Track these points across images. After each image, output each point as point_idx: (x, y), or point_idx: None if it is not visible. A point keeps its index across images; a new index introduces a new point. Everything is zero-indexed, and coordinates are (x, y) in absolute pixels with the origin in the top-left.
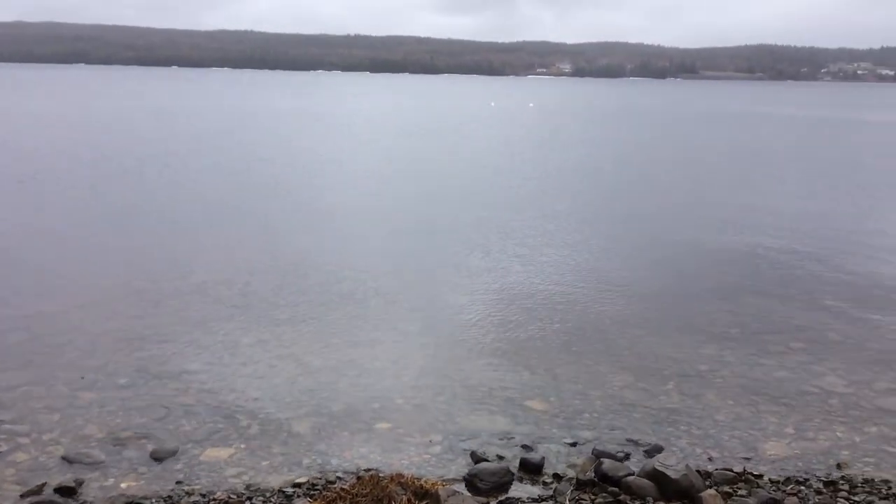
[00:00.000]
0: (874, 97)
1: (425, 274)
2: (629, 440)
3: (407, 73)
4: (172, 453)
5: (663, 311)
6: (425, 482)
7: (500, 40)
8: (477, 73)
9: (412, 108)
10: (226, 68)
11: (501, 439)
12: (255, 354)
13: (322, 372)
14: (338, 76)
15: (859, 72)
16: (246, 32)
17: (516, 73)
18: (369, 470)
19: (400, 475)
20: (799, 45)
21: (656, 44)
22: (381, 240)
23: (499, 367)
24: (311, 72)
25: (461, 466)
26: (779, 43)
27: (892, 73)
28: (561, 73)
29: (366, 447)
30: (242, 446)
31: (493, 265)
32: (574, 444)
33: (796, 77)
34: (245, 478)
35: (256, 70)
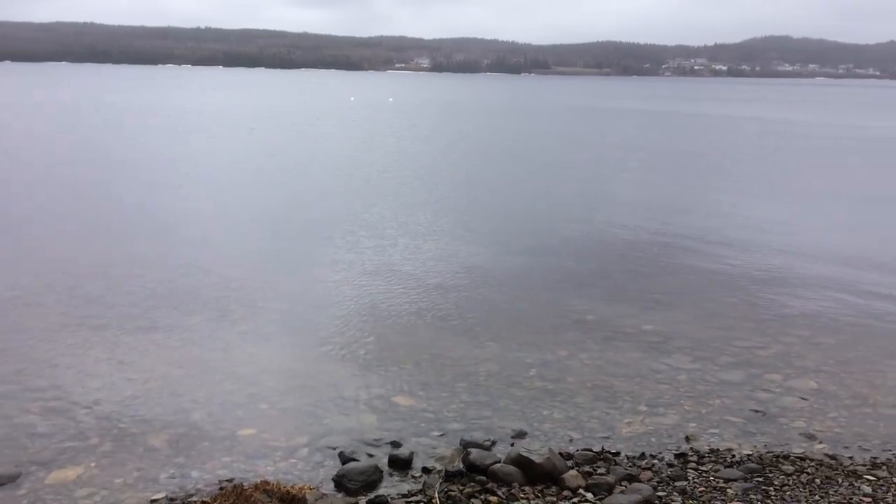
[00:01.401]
0: (707, 91)
1: (286, 273)
2: (495, 428)
3: (262, 68)
4: (13, 478)
5: (524, 299)
6: (292, 487)
7: (357, 35)
8: (335, 68)
9: (268, 104)
10: (64, 62)
11: (370, 438)
12: (106, 366)
13: (180, 381)
14: (187, 71)
15: (696, 67)
16: (86, 24)
17: (375, 68)
18: (232, 480)
19: (265, 482)
20: (642, 42)
21: (511, 40)
22: (239, 239)
23: (365, 365)
24: (159, 66)
25: (329, 468)
26: (624, 40)
27: (724, 68)
28: (420, 68)
29: (228, 456)
30: (93, 465)
31: (354, 260)
32: (442, 436)
33: (640, 72)
34: (97, 498)
35: (99, 64)
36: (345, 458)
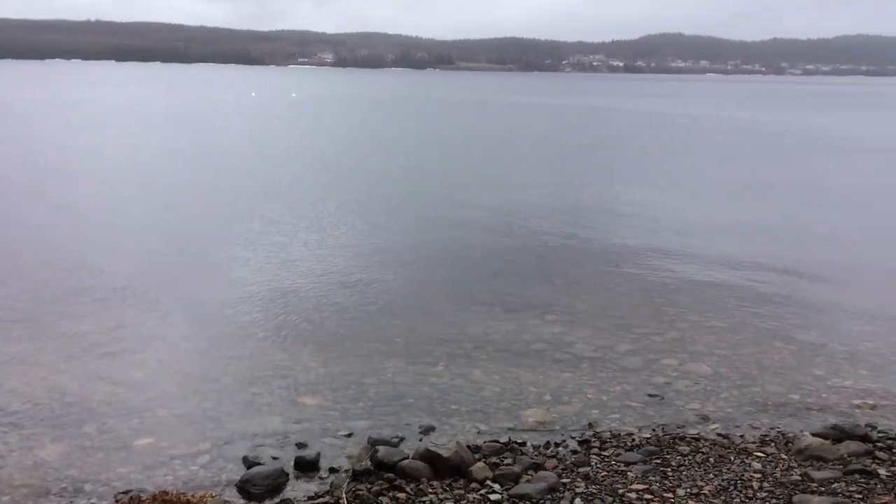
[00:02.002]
0: (605, 86)
1: (182, 272)
2: (404, 424)
3: (158, 62)
4: None
5: (430, 293)
6: (193, 496)
7: (257, 29)
8: (235, 63)
9: (165, 99)
10: None
11: (275, 440)
12: None
13: (70, 389)
14: (77, 66)
15: (594, 63)
16: None
17: (277, 63)
18: (128, 492)
19: (164, 493)
20: (543, 38)
21: (415, 35)
22: (131, 239)
23: (269, 365)
24: (47, 61)
25: (233, 474)
26: (526, 36)
27: (622, 64)
28: (323, 63)
29: (125, 467)
30: None
31: (254, 257)
32: (349, 435)
33: (542, 68)
34: None
35: None
36: (249, 463)
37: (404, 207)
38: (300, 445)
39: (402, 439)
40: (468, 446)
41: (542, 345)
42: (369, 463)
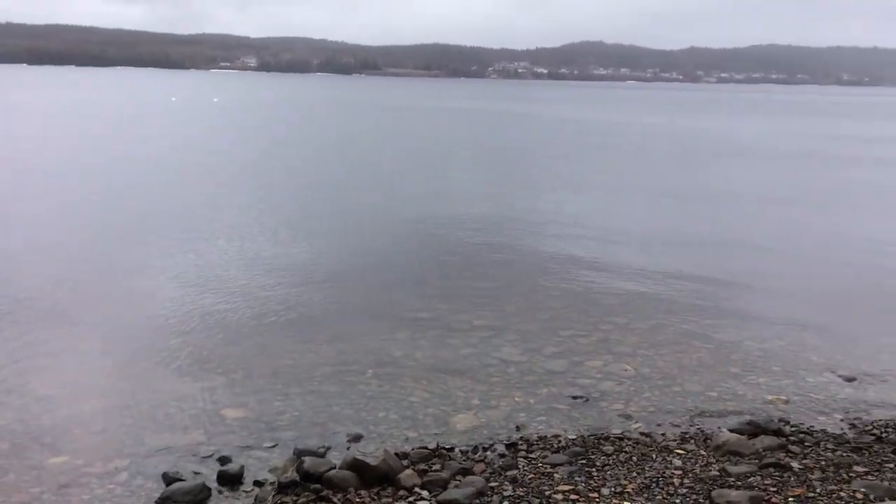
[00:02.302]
0: (530, 92)
1: (97, 283)
2: (331, 434)
3: (73, 66)
4: None
5: (357, 302)
6: None
7: (177, 32)
8: (154, 67)
9: (80, 103)
10: None
11: (196, 455)
12: None
13: None
14: None
15: (519, 70)
16: None
17: (198, 67)
18: None
19: None
20: (468, 44)
21: (340, 40)
22: (44, 248)
23: (190, 377)
24: None
25: (152, 491)
26: (452, 43)
27: (546, 71)
28: (246, 68)
29: (37, 487)
30: None
31: (173, 265)
32: (274, 447)
33: (468, 74)
34: None
35: None
36: (169, 479)
37: (329, 215)
38: (223, 459)
39: (328, 449)
40: (396, 454)
41: (469, 350)
42: (295, 474)
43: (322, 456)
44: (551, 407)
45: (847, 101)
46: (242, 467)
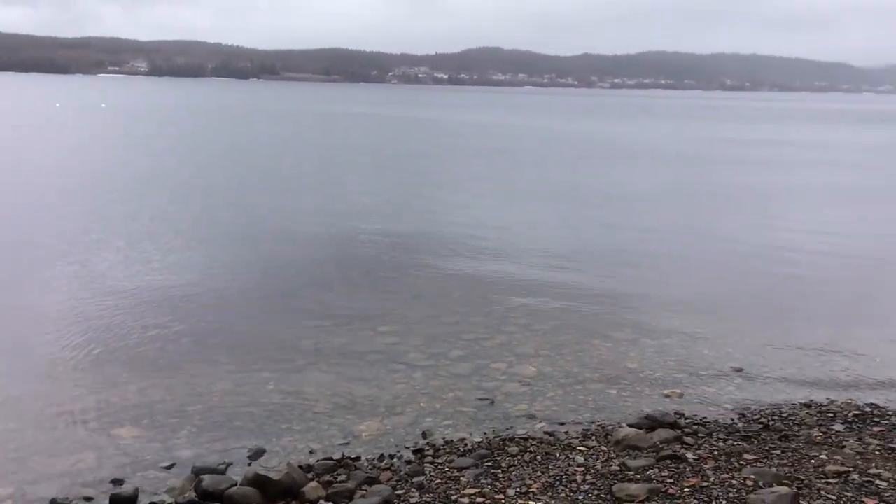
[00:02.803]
0: (430, 97)
1: None
2: (231, 449)
3: None
4: None
5: (256, 310)
6: None
7: (61, 35)
8: (36, 71)
9: None
10: None
11: (87, 478)
12: None
13: None
14: None
15: (420, 75)
16: None
17: (84, 72)
18: None
19: None
20: (368, 50)
21: (236, 44)
22: None
23: (80, 396)
24: None
25: None
26: (351, 48)
27: (446, 76)
28: (136, 72)
29: None
30: None
31: (59, 279)
32: (171, 467)
33: (368, 79)
34: None
35: None
36: None
37: (227, 220)
38: (116, 482)
39: (229, 465)
40: (300, 466)
41: (375, 356)
42: (193, 494)
43: (222, 473)
44: (457, 410)
45: (730, 106)
46: (137, 489)
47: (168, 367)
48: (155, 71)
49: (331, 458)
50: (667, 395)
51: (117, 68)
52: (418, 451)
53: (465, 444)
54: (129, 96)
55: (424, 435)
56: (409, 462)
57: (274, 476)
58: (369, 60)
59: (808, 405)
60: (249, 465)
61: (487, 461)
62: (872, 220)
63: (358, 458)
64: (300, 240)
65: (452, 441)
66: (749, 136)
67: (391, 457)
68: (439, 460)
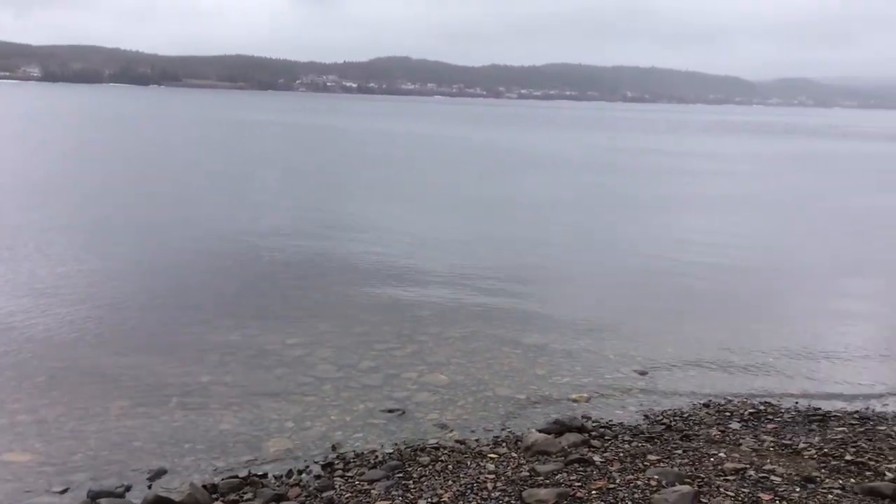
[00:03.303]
0: (339, 105)
1: None
2: (130, 471)
3: None
4: None
5: (160, 325)
6: None
7: None
8: None
9: None
10: None
11: None
12: None
13: None
14: None
15: (328, 83)
16: None
17: None
18: None
19: None
20: (275, 56)
21: (135, 49)
22: None
23: None
24: None
25: None
26: (257, 54)
27: (355, 85)
28: (28, 78)
29: None
30: None
31: None
32: (65, 491)
33: (275, 87)
34: None
35: None
36: None
37: (125, 236)
38: None
39: (128, 488)
40: (204, 486)
41: (283, 370)
42: None
43: (121, 496)
44: (368, 422)
45: (630, 117)
46: None
47: (62, 385)
48: (49, 76)
49: (236, 477)
50: (574, 400)
51: (7, 74)
52: (328, 465)
53: (376, 456)
54: (19, 103)
55: (334, 448)
56: (318, 477)
57: (176, 497)
58: (276, 68)
59: (707, 405)
60: (150, 486)
61: (399, 472)
62: (764, 227)
63: (265, 476)
64: (203, 250)
65: (363, 453)
66: (649, 146)
67: (300, 472)
68: (350, 473)
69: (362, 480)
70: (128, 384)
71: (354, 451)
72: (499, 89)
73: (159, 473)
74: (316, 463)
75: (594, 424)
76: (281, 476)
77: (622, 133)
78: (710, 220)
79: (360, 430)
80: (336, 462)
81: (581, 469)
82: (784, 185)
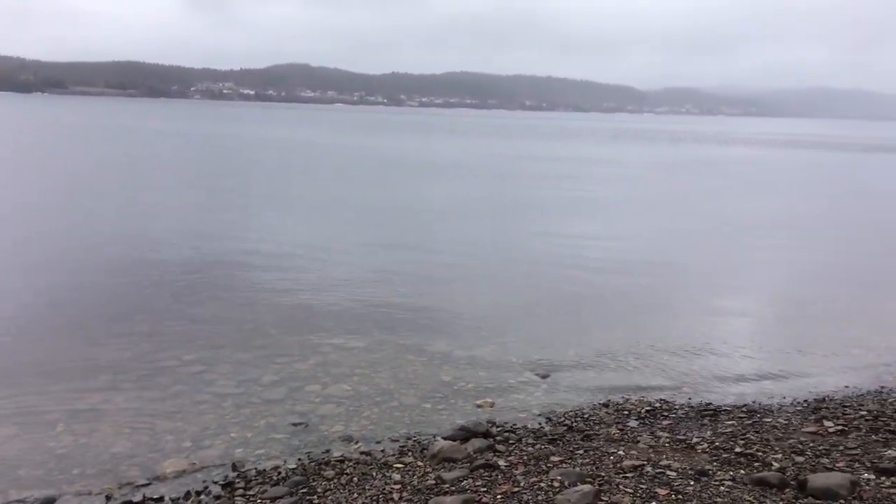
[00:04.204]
0: (234, 113)
1: None
2: (14, 501)
3: None
4: None
5: (44, 345)
6: None
7: None
8: None
9: None
10: None
11: None
12: None
13: None
14: None
15: (225, 91)
16: None
17: None
18: None
19: None
20: (167, 63)
21: (16, 55)
22: None
23: None
24: None
25: None
26: (148, 61)
27: (252, 92)
28: None
29: None
30: None
31: None
32: None
33: (169, 94)
34: None
35: None
36: None
37: (16, 244)
38: None
39: None
40: None
41: (180, 387)
42: None
43: None
44: (270, 438)
45: (529, 124)
46: None
47: None
48: None
49: (131, 501)
50: (479, 406)
51: None
52: (228, 485)
53: (279, 473)
54: None
55: (234, 467)
56: (217, 497)
57: None
58: (169, 75)
59: (606, 405)
60: None
61: (302, 488)
62: (658, 229)
63: (161, 499)
64: (92, 264)
65: (265, 470)
66: (546, 153)
67: (198, 493)
68: (251, 492)
69: (264, 498)
70: (8, 410)
71: (256, 469)
72: (400, 97)
73: (47, 503)
74: (215, 483)
75: (499, 429)
76: (178, 499)
77: (521, 140)
78: (603, 224)
79: (261, 447)
80: (237, 481)
81: (486, 474)
82: (672, 189)
